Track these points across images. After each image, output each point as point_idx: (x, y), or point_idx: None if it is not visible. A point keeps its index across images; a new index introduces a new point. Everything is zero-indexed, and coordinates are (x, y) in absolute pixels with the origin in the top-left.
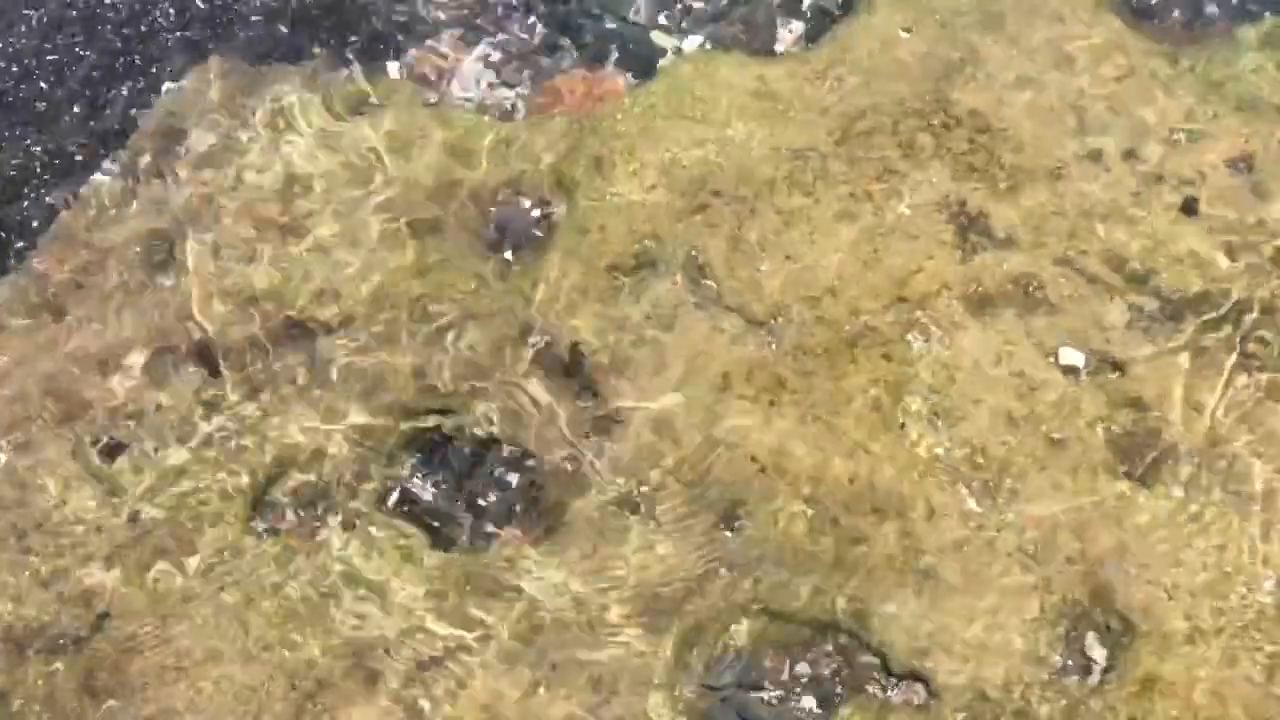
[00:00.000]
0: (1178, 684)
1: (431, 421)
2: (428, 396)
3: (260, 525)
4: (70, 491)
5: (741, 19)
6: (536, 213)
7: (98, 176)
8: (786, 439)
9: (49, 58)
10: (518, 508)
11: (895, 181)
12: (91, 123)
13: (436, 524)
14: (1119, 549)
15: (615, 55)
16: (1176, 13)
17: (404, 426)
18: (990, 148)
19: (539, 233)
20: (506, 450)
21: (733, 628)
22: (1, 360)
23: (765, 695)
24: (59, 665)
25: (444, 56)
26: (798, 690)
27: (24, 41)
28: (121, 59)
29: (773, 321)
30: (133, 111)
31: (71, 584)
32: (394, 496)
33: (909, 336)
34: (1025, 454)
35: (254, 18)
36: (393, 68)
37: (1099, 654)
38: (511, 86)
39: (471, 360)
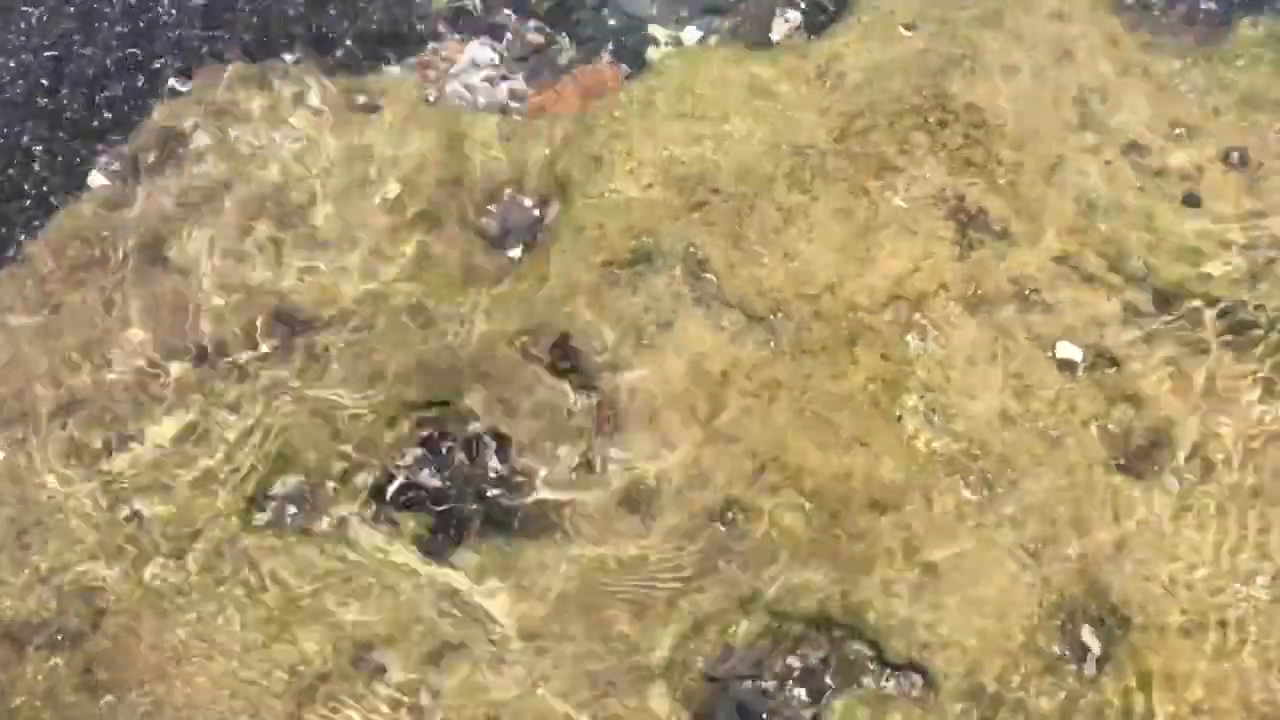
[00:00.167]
0: (1174, 677)
1: (430, 416)
2: (426, 392)
3: (259, 520)
4: (69, 487)
5: (741, 16)
6: (535, 210)
7: (97, 173)
8: (785, 434)
9: (48, 55)
10: (514, 505)
11: (893, 178)
12: (91, 120)
13: (436, 519)
14: (1116, 543)
15: (614, 52)
16: (1176, 8)
17: (403, 422)
18: (988, 143)
19: (537, 230)
20: (505, 446)
21: (732, 622)
22: (0, 356)
23: (764, 687)
24: (58, 661)
25: (443, 54)
26: (795, 682)
27: (23, 39)
28: (121, 56)
29: (772, 318)
30: (132, 108)
31: (70, 580)
32: (392, 491)
33: (907, 334)
34: (1022, 449)
35: (254, 15)
36: (392, 66)
37: (1096, 647)
38: (510, 84)
39: (469, 356)
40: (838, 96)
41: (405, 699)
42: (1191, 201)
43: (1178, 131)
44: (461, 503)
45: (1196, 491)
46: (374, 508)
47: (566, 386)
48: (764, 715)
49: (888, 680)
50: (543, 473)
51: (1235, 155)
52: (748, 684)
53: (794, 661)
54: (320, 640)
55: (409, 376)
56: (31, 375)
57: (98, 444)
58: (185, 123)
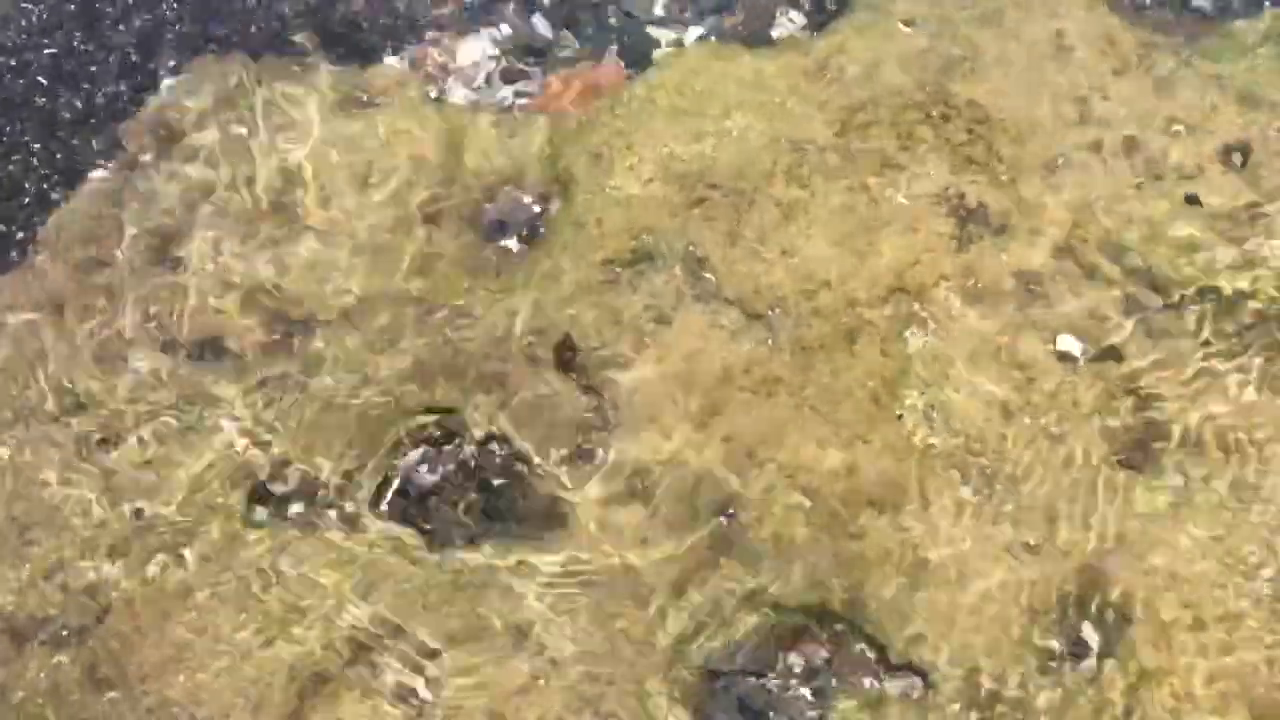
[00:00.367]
0: (1175, 673)
1: (430, 416)
2: (427, 390)
3: (260, 518)
4: (72, 486)
5: (744, 16)
6: (536, 207)
7: (97, 172)
8: (784, 431)
9: (47, 53)
10: (516, 502)
11: (893, 174)
12: (90, 119)
13: (435, 519)
14: (1117, 538)
15: (615, 49)
16: (1174, 7)
17: (403, 421)
18: (989, 139)
19: (538, 227)
20: (505, 445)
21: (731, 619)
22: (1, 356)
23: (764, 684)
24: (61, 658)
25: (444, 51)
26: (795, 679)
27: (22, 37)
28: (120, 54)
29: (771, 314)
30: (132, 107)
31: (73, 577)
32: (393, 488)
33: (907, 329)
34: (1022, 444)
35: (253, 12)
36: (392, 62)
37: (1096, 643)
38: (511, 81)
39: (470, 355)
40: (837, 91)
41: (406, 694)
42: (1190, 198)
43: (1176, 128)
44: (462, 500)
45: (1198, 486)
46: (375, 505)
47: (567, 384)
48: (765, 712)
49: (889, 679)
50: (543, 470)
51: (1234, 152)
52: (749, 680)
53: (795, 659)
54: (320, 639)
55: (410, 374)
56: (32, 374)
57: (100, 442)
58: (185, 120)
